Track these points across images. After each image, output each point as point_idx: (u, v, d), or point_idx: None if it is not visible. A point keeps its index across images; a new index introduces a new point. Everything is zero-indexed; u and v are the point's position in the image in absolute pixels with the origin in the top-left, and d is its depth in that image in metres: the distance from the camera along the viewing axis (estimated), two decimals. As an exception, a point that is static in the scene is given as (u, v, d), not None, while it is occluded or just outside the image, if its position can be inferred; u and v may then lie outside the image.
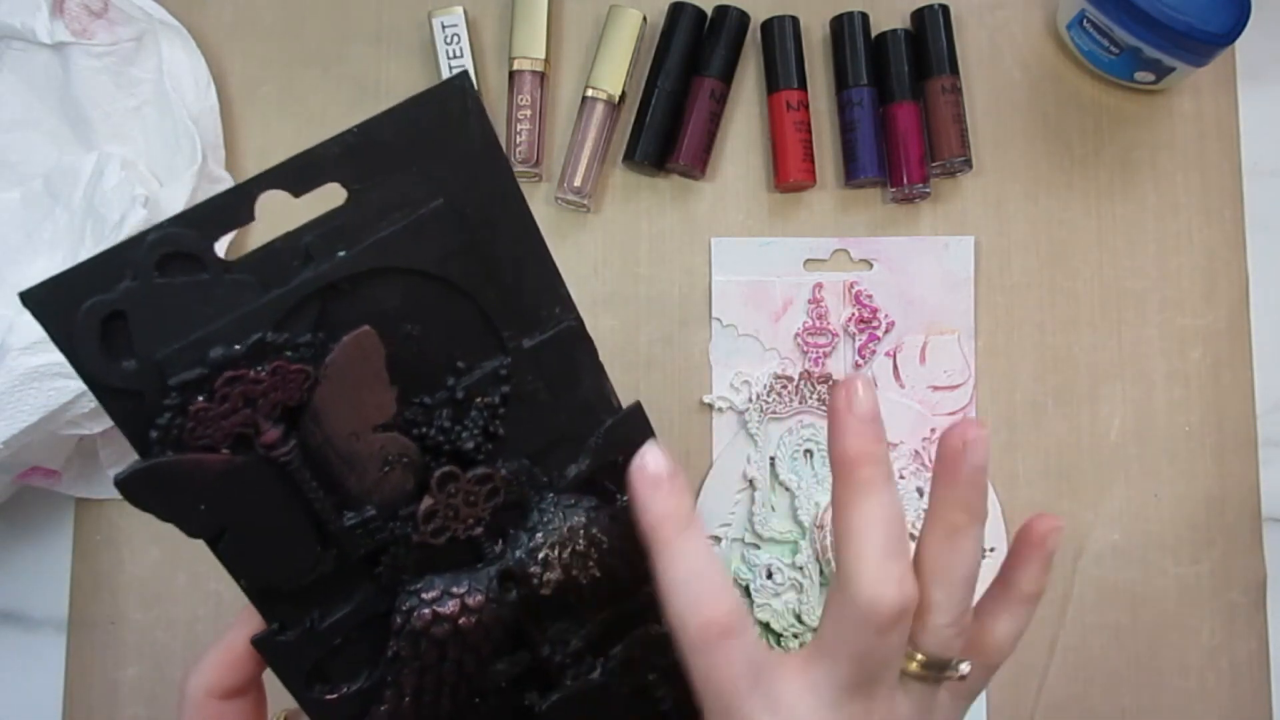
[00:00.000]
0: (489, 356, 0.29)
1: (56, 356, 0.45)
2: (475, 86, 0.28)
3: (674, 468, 0.30)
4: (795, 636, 0.51)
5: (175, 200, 0.49)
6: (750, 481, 0.53)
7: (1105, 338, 0.55)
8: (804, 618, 0.51)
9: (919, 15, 0.54)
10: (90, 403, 0.46)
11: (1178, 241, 0.55)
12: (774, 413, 0.53)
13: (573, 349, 0.30)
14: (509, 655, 0.31)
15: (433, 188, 0.27)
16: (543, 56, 0.53)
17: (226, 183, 0.52)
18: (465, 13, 0.53)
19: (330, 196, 0.26)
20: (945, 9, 0.54)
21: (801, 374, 0.53)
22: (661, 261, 0.54)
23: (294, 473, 0.27)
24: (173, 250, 0.25)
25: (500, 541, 0.30)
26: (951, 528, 0.30)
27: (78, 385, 0.45)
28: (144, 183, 0.49)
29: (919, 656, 0.30)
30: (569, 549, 0.30)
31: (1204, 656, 0.53)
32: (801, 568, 0.52)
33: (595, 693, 0.32)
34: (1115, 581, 0.53)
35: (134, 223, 0.46)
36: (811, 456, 0.53)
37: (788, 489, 0.53)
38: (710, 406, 0.53)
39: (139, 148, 0.50)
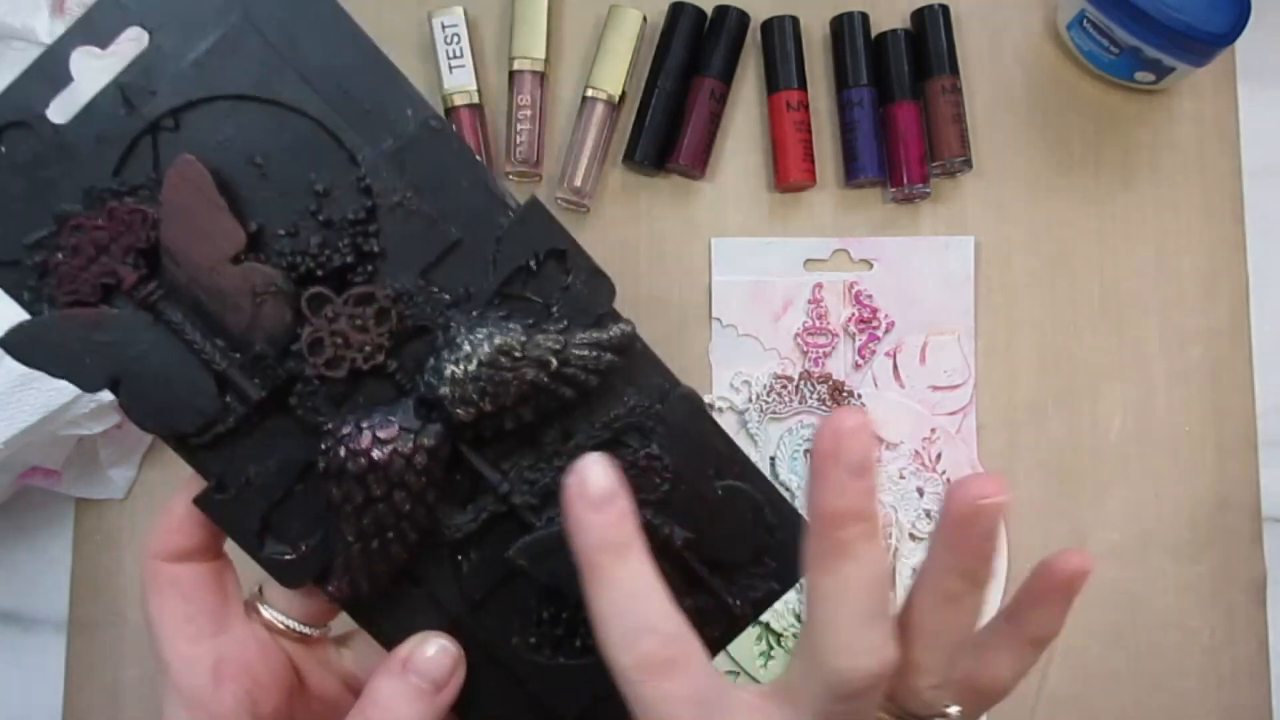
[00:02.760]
0: (346, 172, 0.28)
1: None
2: None
3: (616, 487, 0.27)
4: (795, 636, 0.51)
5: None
6: (750, 481, 0.53)
7: (1105, 338, 0.55)
8: (804, 617, 0.51)
9: (919, 15, 0.54)
10: (90, 403, 0.46)
11: (1178, 241, 0.55)
12: (774, 413, 0.53)
13: (435, 148, 0.28)
14: (471, 502, 0.29)
15: (228, 7, 0.27)
16: (543, 56, 0.53)
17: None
18: (465, 13, 0.53)
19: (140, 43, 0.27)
20: (945, 9, 0.54)
21: (801, 374, 0.53)
22: (661, 261, 0.54)
23: (166, 314, 0.27)
24: (3, 122, 0.27)
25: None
26: (949, 594, 0.27)
27: (78, 385, 0.45)
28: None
29: (897, 712, 0.28)
30: (477, 364, 0.28)
31: (1204, 656, 0.53)
32: (801, 568, 0.52)
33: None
34: (1115, 581, 0.53)
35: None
36: (811, 457, 0.53)
37: (788, 489, 0.53)
38: (710, 406, 0.53)
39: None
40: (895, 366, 0.54)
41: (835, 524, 0.26)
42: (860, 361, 0.54)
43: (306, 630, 0.31)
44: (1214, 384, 0.55)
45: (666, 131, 0.53)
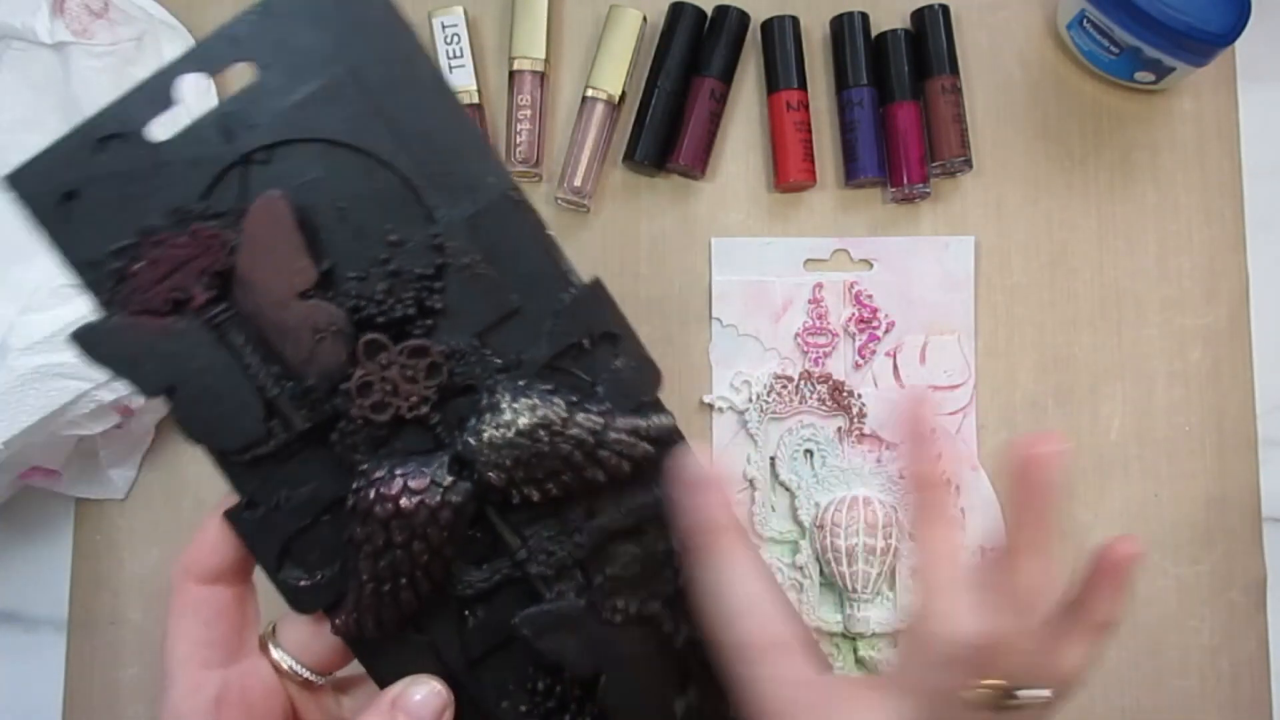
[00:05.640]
0: (422, 228, 0.29)
1: (57, 357, 0.45)
2: None
3: (722, 473, 0.29)
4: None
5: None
6: (750, 482, 0.53)
7: (1105, 338, 0.55)
8: (804, 617, 0.51)
9: (919, 15, 0.54)
10: (90, 403, 0.46)
11: (1178, 241, 0.55)
12: (774, 413, 0.53)
13: (511, 218, 0.29)
14: (487, 562, 0.30)
15: (336, 58, 0.28)
16: (543, 56, 0.53)
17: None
18: (465, 13, 0.53)
19: (246, 76, 0.28)
20: (945, 9, 0.54)
21: (801, 374, 0.53)
22: (661, 261, 0.54)
23: (229, 336, 0.28)
24: (107, 133, 0.28)
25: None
26: (1029, 546, 0.29)
27: (78, 385, 0.45)
28: (144, 183, 0.49)
29: (997, 682, 0.28)
30: (516, 432, 0.28)
31: (1204, 656, 0.53)
32: (801, 568, 0.52)
33: (581, 616, 0.30)
34: (1115, 581, 0.53)
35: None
36: (811, 456, 0.53)
37: (788, 489, 0.53)
38: (710, 406, 0.53)
39: (139, 148, 0.50)
40: (895, 366, 0.54)
41: (934, 486, 0.28)
42: (860, 361, 0.54)
43: (311, 677, 0.32)
44: (1214, 384, 0.55)
45: (666, 131, 0.53)
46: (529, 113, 0.53)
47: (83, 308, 0.45)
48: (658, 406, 0.30)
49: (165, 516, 0.53)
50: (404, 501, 0.28)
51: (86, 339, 0.28)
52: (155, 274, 0.28)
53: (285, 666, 0.31)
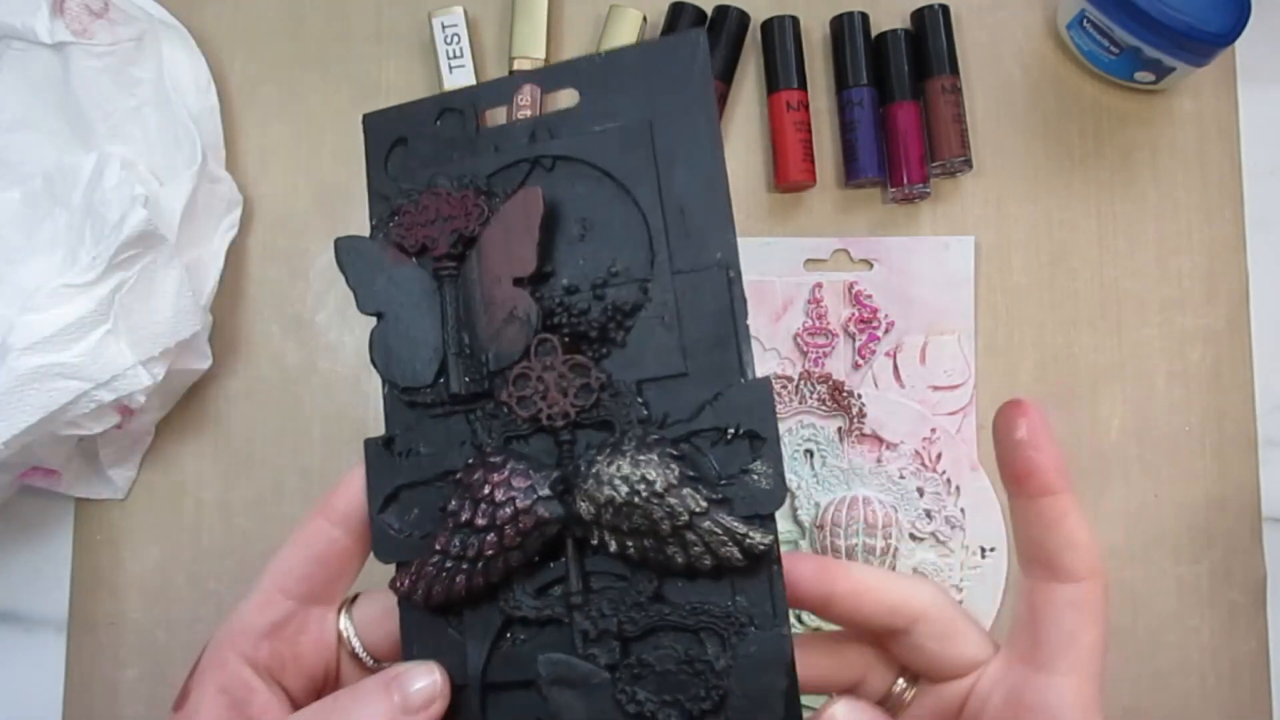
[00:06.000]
0: (641, 270, 0.31)
1: (57, 357, 0.45)
2: (707, 45, 0.32)
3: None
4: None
5: (175, 200, 0.49)
6: (750, 481, 0.53)
7: (1105, 338, 0.55)
8: (804, 617, 0.51)
9: (919, 15, 0.54)
10: (90, 403, 0.46)
11: (1178, 241, 0.55)
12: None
13: (718, 294, 0.30)
14: (543, 594, 0.30)
15: (643, 108, 0.32)
16: (543, 56, 0.53)
17: (227, 183, 0.52)
18: (465, 13, 0.53)
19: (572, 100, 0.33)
20: (945, 9, 0.54)
21: (801, 374, 0.53)
22: (661, 261, 0.54)
23: (444, 290, 0.31)
24: (449, 106, 0.33)
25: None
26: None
27: (78, 385, 0.45)
28: (144, 183, 0.49)
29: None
30: (622, 479, 0.29)
31: (1204, 656, 0.53)
32: (801, 568, 0.52)
33: (599, 686, 0.29)
34: (1115, 581, 0.53)
35: (134, 223, 0.46)
36: (811, 457, 0.53)
37: (788, 489, 0.53)
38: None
39: (139, 148, 0.50)
40: (895, 366, 0.54)
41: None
42: (860, 361, 0.54)
43: (363, 656, 0.33)
44: (1214, 384, 0.55)
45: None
46: (529, 113, 0.53)
47: (82, 308, 0.46)
48: (766, 524, 0.29)
49: (165, 516, 0.53)
50: (499, 493, 0.30)
51: (344, 246, 0.33)
52: (419, 218, 0.32)
53: (345, 635, 0.33)
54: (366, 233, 0.33)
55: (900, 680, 0.32)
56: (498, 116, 0.34)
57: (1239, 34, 0.50)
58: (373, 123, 0.34)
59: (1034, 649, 0.29)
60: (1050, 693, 0.28)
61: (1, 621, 0.53)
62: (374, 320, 0.32)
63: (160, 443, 0.53)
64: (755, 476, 0.29)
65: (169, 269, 0.48)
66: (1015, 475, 0.30)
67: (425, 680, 0.30)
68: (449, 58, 0.53)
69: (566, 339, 0.31)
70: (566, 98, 0.33)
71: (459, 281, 0.32)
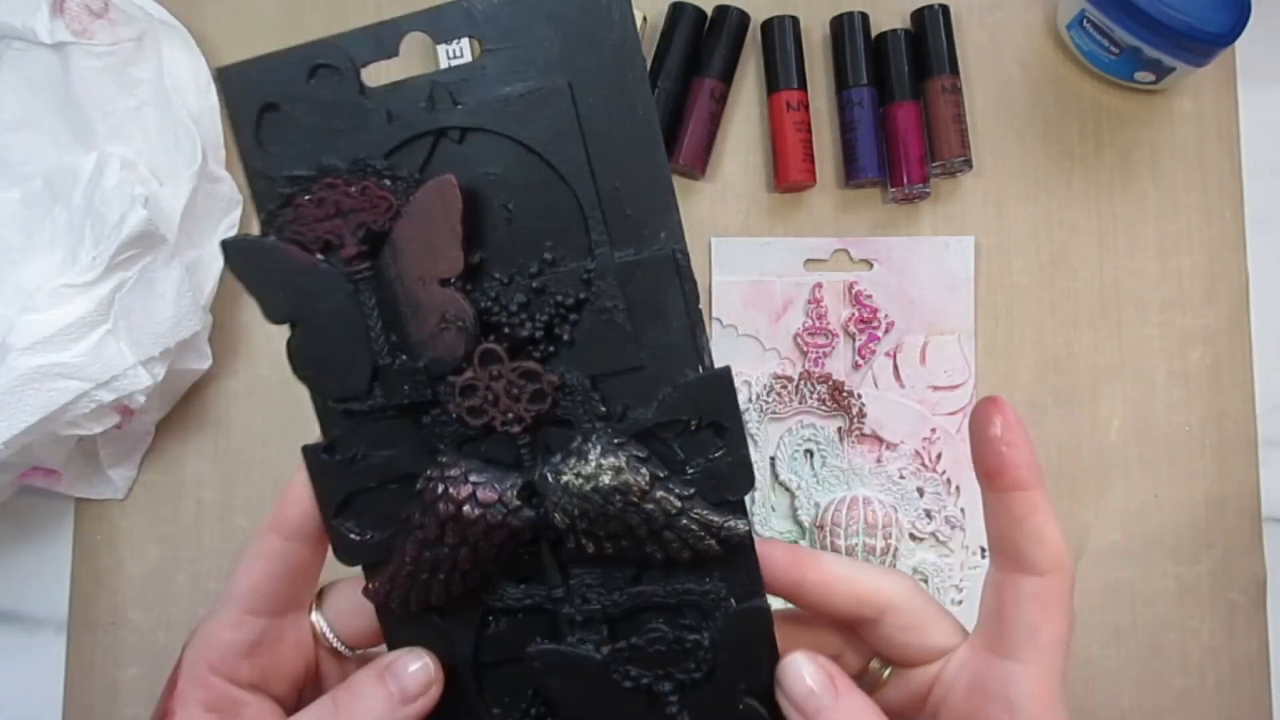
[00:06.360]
0: (578, 257, 0.28)
1: (57, 357, 0.45)
2: None
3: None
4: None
5: (175, 200, 0.49)
6: (750, 481, 0.53)
7: (1105, 338, 0.55)
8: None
9: (919, 15, 0.54)
10: (90, 403, 0.46)
11: (1178, 241, 0.55)
12: (774, 413, 0.53)
13: (666, 280, 0.28)
14: (525, 584, 0.30)
15: (560, 66, 0.28)
16: (543, 56, 0.53)
17: (227, 183, 0.52)
18: (465, 13, 0.53)
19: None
20: (945, 9, 0.54)
21: (801, 374, 0.53)
22: (661, 261, 0.54)
23: (363, 294, 0.29)
24: (323, 61, 0.28)
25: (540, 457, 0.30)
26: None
27: (78, 385, 0.45)
28: (144, 183, 0.49)
29: None
30: (593, 487, 0.28)
31: (1204, 656, 0.53)
32: (801, 568, 0.52)
33: (593, 670, 0.30)
34: (1115, 581, 0.53)
35: (134, 223, 0.46)
36: (811, 457, 0.53)
37: (788, 489, 0.53)
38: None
39: (139, 148, 0.50)
40: (895, 366, 0.54)
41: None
42: (860, 361, 0.54)
43: (342, 648, 0.33)
44: (1214, 384, 0.55)
45: (666, 131, 0.53)
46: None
47: (82, 308, 0.46)
48: (738, 510, 0.29)
49: (165, 516, 0.53)
50: (467, 509, 0.29)
51: (234, 249, 0.29)
52: (318, 213, 0.29)
53: (320, 631, 0.32)
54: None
55: (874, 661, 0.33)
56: (378, 72, 0.29)
57: (1239, 34, 0.50)
58: (232, 78, 0.29)
59: (998, 638, 0.30)
60: (1011, 681, 0.29)
61: (1, 621, 0.53)
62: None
63: (160, 443, 0.53)
64: (719, 463, 0.29)
65: (169, 269, 0.48)
66: (987, 470, 0.30)
67: (417, 665, 0.30)
68: (449, 58, 0.53)
69: (509, 343, 0.29)
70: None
71: (376, 283, 0.29)
